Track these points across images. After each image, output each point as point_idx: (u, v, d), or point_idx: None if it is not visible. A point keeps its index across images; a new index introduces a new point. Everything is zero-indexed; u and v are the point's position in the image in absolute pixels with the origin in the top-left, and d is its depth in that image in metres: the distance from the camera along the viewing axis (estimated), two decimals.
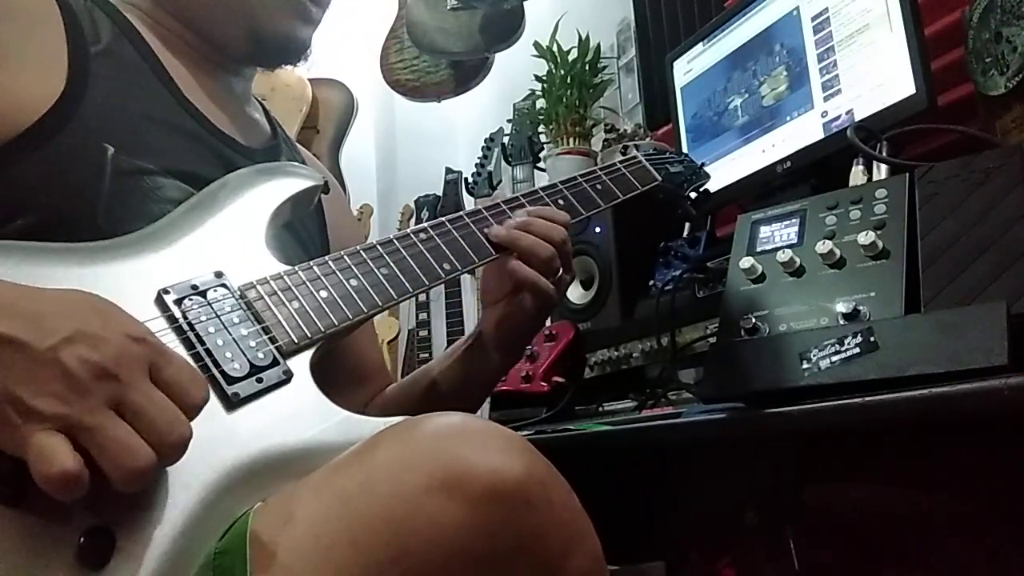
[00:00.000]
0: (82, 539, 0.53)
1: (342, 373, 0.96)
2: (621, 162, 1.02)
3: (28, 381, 0.50)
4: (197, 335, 0.65)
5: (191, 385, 0.56)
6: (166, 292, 0.67)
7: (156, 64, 0.83)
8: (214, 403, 0.62)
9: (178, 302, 0.66)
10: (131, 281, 0.66)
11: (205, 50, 0.90)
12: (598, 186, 0.97)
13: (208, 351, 0.64)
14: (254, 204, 0.78)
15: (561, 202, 0.93)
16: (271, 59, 0.95)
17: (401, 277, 0.78)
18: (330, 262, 0.76)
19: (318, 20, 0.95)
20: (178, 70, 0.85)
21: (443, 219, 0.86)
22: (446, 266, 0.82)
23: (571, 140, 2.02)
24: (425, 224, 0.84)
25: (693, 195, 1.10)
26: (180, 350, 0.64)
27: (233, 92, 0.94)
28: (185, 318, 0.65)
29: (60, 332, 0.52)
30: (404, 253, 0.80)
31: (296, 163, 0.93)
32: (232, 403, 0.63)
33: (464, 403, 0.97)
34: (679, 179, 1.07)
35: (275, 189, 0.81)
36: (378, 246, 0.80)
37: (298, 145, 1.06)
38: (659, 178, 1.03)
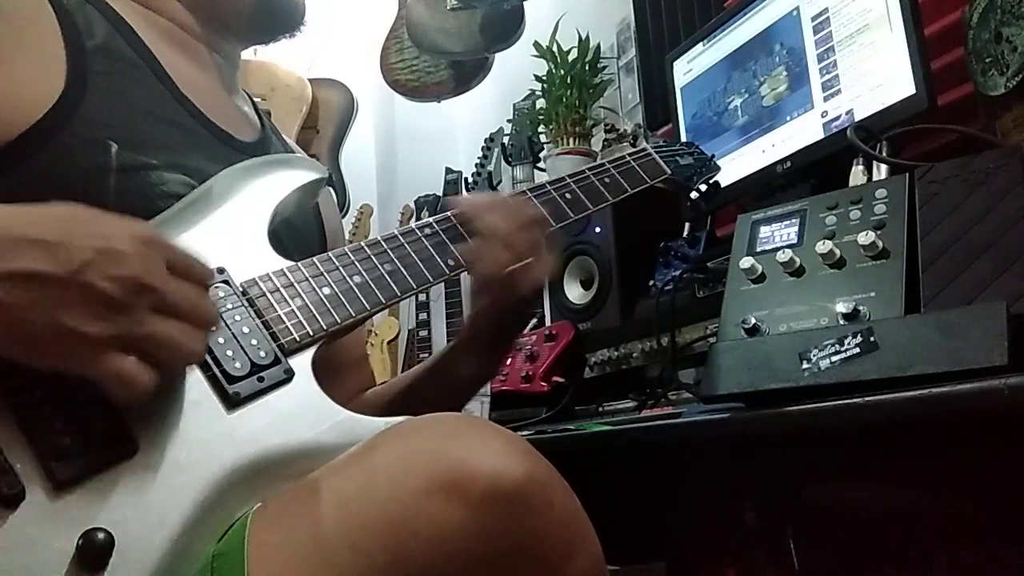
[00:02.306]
0: (80, 540, 0.53)
1: (321, 364, 0.95)
2: (630, 154, 1.00)
3: (70, 310, 0.54)
4: None
5: (198, 266, 0.62)
6: None
7: (151, 59, 0.82)
8: (214, 403, 0.62)
9: None
10: None
11: (203, 33, 0.90)
12: (606, 179, 0.95)
13: (209, 349, 0.64)
14: (257, 198, 0.77)
15: (568, 196, 0.92)
16: (276, 27, 0.95)
17: (404, 272, 0.77)
18: (333, 258, 0.75)
19: None
20: (173, 64, 0.84)
21: (448, 213, 0.84)
22: (450, 262, 0.81)
23: (571, 140, 2.02)
24: (431, 219, 0.83)
25: (703, 187, 1.07)
26: None
27: (225, 84, 0.93)
28: None
29: (78, 256, 0.54)
30: (408, 248, 0.79)
31: (300, 155, 0.92)
32: (233, 402, 0.63)
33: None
34: (689, 171, 1.06)
35: (278, 182, 0.80)
36: (382, 242, 0.79)
37: (286, 138, 1.06)
38: (668, 171, 1.02)
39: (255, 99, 1.03)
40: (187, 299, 0.59)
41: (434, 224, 0.82)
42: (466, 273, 0.83)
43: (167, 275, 0.58)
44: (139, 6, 0.86)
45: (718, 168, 1.11)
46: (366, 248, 0.77)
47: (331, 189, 1.11)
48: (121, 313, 0.55)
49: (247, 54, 1.00)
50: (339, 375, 0.98)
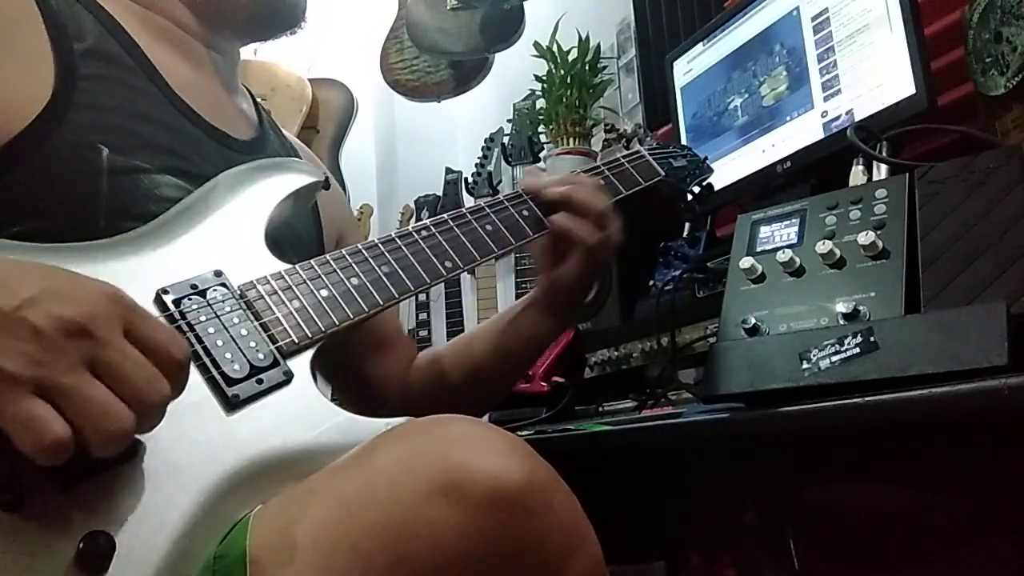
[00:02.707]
0: (81, 543, 0.53)
1: (365, 344, 0.98)
2: (624, 156, 1.02)
3: None
4: (196, 336, 0.65)
5: (169, 342, 0.55)
6: (165, 292, 0.66)
7: (143, 60, 0.81)
8: (214, 405, 0.62)
9: (177, 302, 0.66)
10: (129, 281, 0.65)
11: (201, 31, 0.89)
12: (600, 181, 0.97)
13: (207, 352, 0.64)
14: (254, 201, 0.78)
15: None
16: (276, 24, 0.95)
17: (402, 275, 0.78)
18: (331, 260, 0.75)
19: None
20: (166, 64, 0.83)
21: (445, 216, 0.85)
22: (448, 264, 0.81)
23: (571, 140, 2.02)
24: (427, 221, 0.84)
25: (696, 189, 1.09)
26: None
27: (222, 82, 0.92)
28: (184, 318, 0.65)
29: (26, 292, 0.50)
30: (406, 251, 0.80)
31: (297, 159, 0.92)
32: (232, 405, 0.63)
33: (510, 374, 1.03)
34: (682, 173, 1.07)
35: (275, 186, 0.80)
36: (379, 244, 0.79)
37: (287, 133, 1.05)
38: (662, 173, 1.03)
39: (256, 98, 1.03)
40: (133, 369, 0.52)
41: (431, 226, 0.83)
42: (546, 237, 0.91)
43: (118, 334, 0.52)
44: (135, 5, 0.85)
45: (711, 170, 1.12)
46: (363, 251, 0.78)
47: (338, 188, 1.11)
48: (49, 355, 0.49)
49: (247, 53, 1.00)
50: (387, 349, 1.02)
